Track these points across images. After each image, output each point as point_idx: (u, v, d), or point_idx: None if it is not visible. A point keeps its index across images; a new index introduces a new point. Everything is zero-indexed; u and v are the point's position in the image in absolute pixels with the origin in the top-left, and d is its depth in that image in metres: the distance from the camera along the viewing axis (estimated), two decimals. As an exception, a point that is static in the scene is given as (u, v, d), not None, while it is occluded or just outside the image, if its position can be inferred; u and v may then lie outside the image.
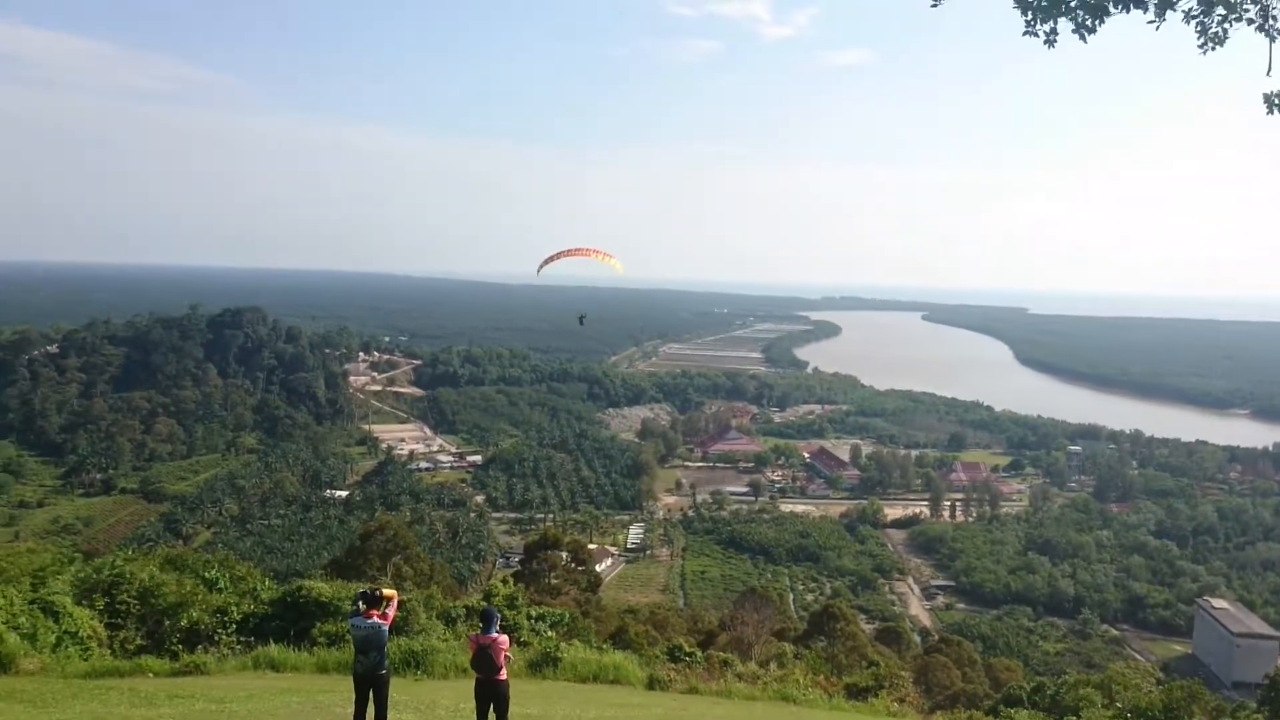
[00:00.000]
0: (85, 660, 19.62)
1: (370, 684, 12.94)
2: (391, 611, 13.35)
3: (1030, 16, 11.68)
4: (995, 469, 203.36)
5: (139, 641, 22.83)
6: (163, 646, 22.19)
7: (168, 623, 23.37)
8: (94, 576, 24.51)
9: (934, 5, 12.20)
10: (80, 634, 20.99)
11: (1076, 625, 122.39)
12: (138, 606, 23.67)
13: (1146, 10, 11.41)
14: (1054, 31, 11.77)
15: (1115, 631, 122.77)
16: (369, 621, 12.89)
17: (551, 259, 43.14)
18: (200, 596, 24.39)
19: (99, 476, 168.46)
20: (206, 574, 26.61)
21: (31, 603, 20.81)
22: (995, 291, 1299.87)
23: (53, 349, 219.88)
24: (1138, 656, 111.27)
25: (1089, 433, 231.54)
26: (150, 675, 18.72)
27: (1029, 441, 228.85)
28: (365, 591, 13.44)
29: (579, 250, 42.96)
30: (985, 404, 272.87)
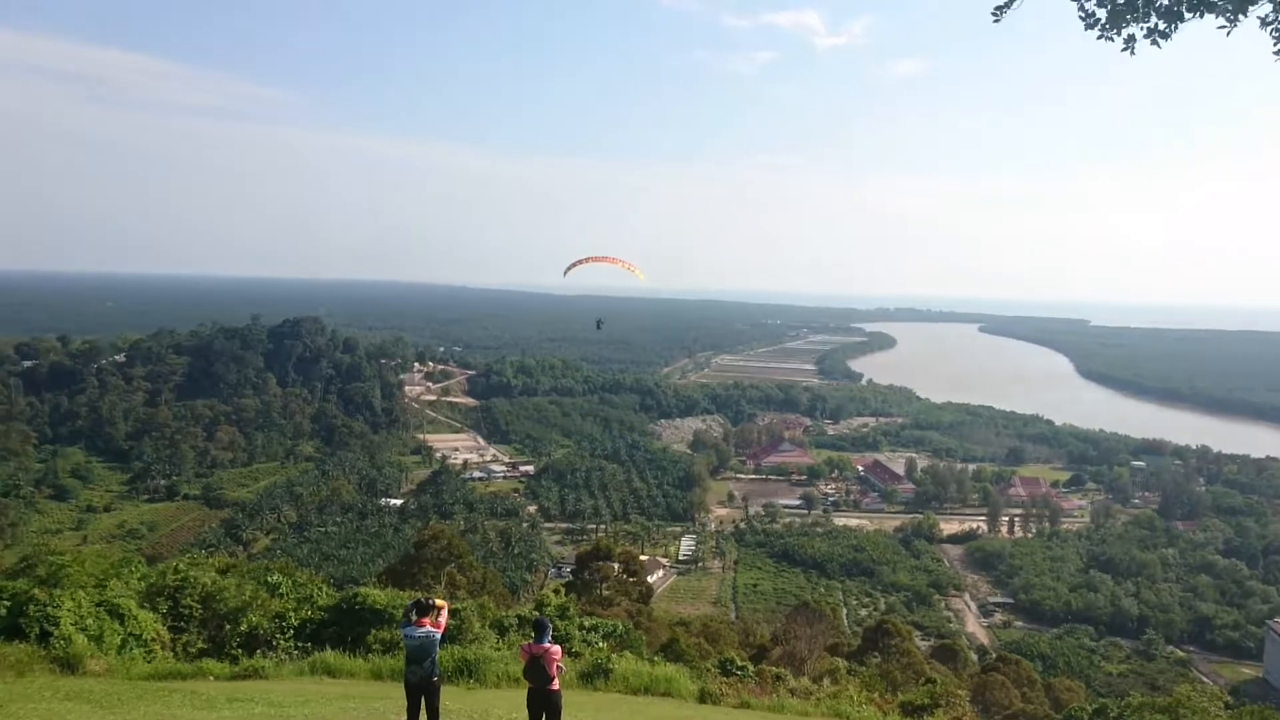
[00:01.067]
0: (149, 662, 20.05)
1: (423, 692, 13.09)
2: (443, 620, 13.49)
3: (1103, 22, 11.50)
4: (1055, 484, 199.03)
5: (200, 645, 23.33)
6: (223, 650, 22.63)
7: (228, 627, 23.85)
8: (159, 580, 25.12)
9: (995, 20, 12.05)
10: (144, 636, 21.48)
11: (1140, 646, 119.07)
12: (200, 610, 24.20)
13: (1218, 15, 11.15)
14: (1132, 39, 11.55)
15: (1181, 653, 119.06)
16: (421, 630, 13.03)
17: (577, 264, 43.77)
18: (260, 602, 24.85)
19: (163, 482, 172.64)
20: (269, 579, 27.14)
21: (99, 605, 21.34)
22: (1055, 303, 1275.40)
23: (120, 358, 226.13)
24: (1205, 679, 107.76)
25: (1154, 448, 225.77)
26: (211, 678, 19.06)
27: (1090, 456, 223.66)
28: (418, 600, 13.58)
29: (604, 258, 43.56)
30: (1045, 418, 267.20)
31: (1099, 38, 11.66)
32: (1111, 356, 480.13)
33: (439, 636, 13.24)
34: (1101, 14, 11.57)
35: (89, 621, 20.18)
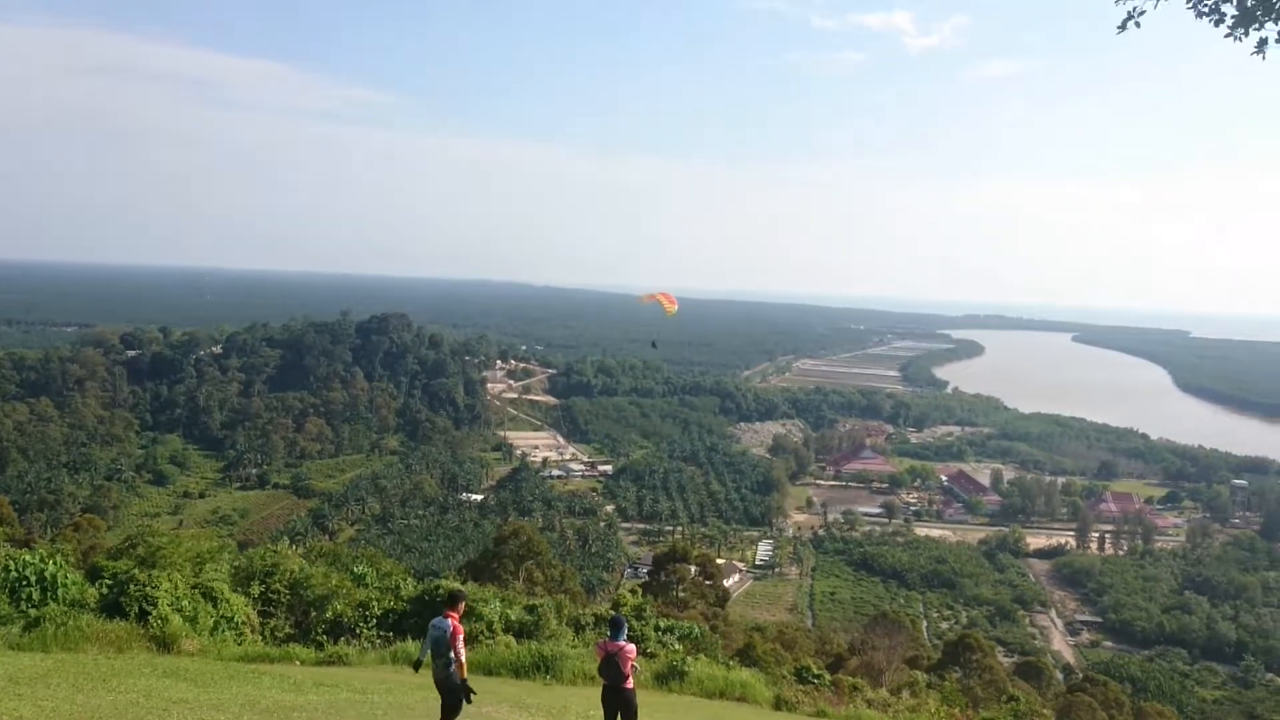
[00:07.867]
0: (239, 645, 20.70)
1: (441, 690, 12.78)
2: (460, 641, 12.71)
3: (1233, 19, 11.03)
4: (1149, 501, 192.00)
5: (287, 630, 24.03)
6: (309, 636, 23.26)
7: (314, 614, 24.52)
8: (250, 565, 25.96)
9: (1120, 31, 11.73)
10: (236, 619, 22.20)
11: (1238, 672, 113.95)
12: (288, 596, 24.93)
13: None
14: (1264, 42, 11.06)
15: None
16: (443, 622, 12.62)
17: (645, 299, 50.46)
18: (345, 590, 25.48)
19: (254, 471, 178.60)
20: (355, 569, 27.84)
21: (194, 587, 22.14)
22: (1154, 313, 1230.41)
23: (217, 350, 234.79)
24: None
25: (1257, 465, 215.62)
26: (297, 663, 19.59)
27: (1188, 473, 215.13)
28: (453, 590, 13.42)
29: (656, 295, 49.87)
30: (1140, 431, 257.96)
31: (1227, 36, 11.19)
32: (1213, 370, 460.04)
33: (450, 632, 12.50)
34: (1229, 9, 11.10)
35: (184, 603, 20.91)
